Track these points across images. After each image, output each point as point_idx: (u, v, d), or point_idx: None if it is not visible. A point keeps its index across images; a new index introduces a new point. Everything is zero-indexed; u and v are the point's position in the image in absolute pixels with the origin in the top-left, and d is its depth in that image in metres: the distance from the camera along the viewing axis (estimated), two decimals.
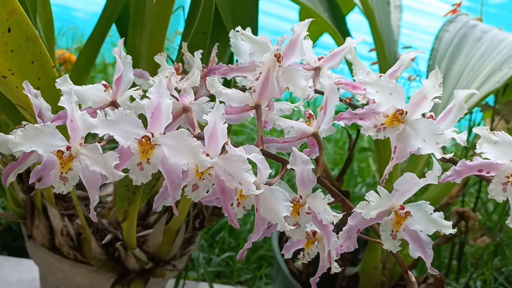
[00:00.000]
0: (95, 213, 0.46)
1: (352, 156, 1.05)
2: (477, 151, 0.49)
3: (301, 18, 1.35)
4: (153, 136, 0.43)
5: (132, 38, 0.76)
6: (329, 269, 0.54)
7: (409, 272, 0.59)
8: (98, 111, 0.42)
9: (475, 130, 0.49)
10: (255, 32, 0.84)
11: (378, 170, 1.00)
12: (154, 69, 0.73)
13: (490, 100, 1.48)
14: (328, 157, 2.25)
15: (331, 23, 1.00)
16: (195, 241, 1.05)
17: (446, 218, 0.52)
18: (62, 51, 1.65)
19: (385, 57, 1.07)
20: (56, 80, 0.48)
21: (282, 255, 1.19)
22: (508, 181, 0.48)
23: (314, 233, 0.56)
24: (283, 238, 1.27)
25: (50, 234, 0.93)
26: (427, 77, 1.22)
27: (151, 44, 0.75)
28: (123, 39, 0.53)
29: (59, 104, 0.42)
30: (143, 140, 0.42)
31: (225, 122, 0.45)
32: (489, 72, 1.12)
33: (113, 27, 0.93)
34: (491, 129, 1.32)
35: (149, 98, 0.42)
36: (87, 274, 0.93)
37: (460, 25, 1.30)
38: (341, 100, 0.57)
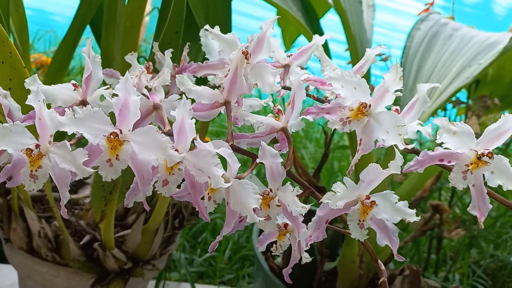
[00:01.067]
0: (72, 214, 0.47)
1: (328, 153, 1.06)
2: (438, 141, 0.51)
3: (279, 19, 1.37)
4: (121, 132, 0.43)
5: (105, 39, 0.77)
6: (301, 259, 0.56)
7: (379, 261, 0.61)
8: (66, 109, 0.42)
9: (435, 121, 0.51)
10: (228, 31, 0.85)
11: (357, 166, 1.02)
12: (127, 69, 0.73)
13: (463, 95, 1.52)
14: (309, 156, 2.27)
15: (305, 24, 1.01)
16: (175, 241, 1.06)
17: (422, 211, 0.54)
18: (39, 54, 1.64)
19: (358, 56, 1.09)
20: (25, 80, 0.48)
21: (262, 253, 1.20)
22: (468, 169, 0.51)
23: (286, 225, 0.57)
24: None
25: (28, 237, 0.93)
26: None
27: (125, 44, 0.75)
28: (91, 38, 0.53)
29: (26, 102, 0.42)
30: (111, 136, 0.43)
31: (192, 118, 0.46)
32: (459, 68, 1.16)
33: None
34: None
35: (115, 94, 0.43)
36: (66, 276, 0.93)
37: (431, 23, 1.33)
38: (309, 95, 0.59)
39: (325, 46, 1.14)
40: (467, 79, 1.09)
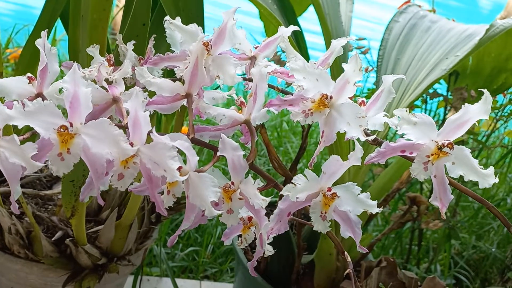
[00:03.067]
0: (45, 210, 0.46)
1: (305, 146, 1.06)
2: (399, 132, 0.51)
3: (260, 15, 1.36)
4: (71, 125, 0.43)
5: (72, 32, 0.76)
6: (288, 259, 0.56)
7: (345, 253, 0.61)
8: (14, 102, 0.41)
9: (395, 112, 0.51)
10: (201, 23, 0.84)
11: None
12: None
13: (443, 89, 1.52)
14: (294, 150, 2.27)
15: (278, 17, 1.00)
16: (152, 236, 1.05)
17: (404, 204, 0.53)
18: (16, 48, 1.62)
19: None
20: None
21: (242, 248, 1.19)
22: (429, 160, 0.50)
23: (250, 218, 0.57)
24: None
25: None
26: (377, 67, 1.23)
27: (92, 37, 0.74)
28: (46, 30, 0.52)
29: None
30: (62, 130, 0.42)
31: (146, 110, 0.45)
32: (436, 60, 1.16)
33: None
34: (444, 118, 1.36)
35: (64, 86, 0.42)
36: (39, 273, 0.92)
37: (410, 15, 1.33)
38: (272, 87, 0.58)
39: (301, 39, 1.13)
40: (443, 71, 1.09)
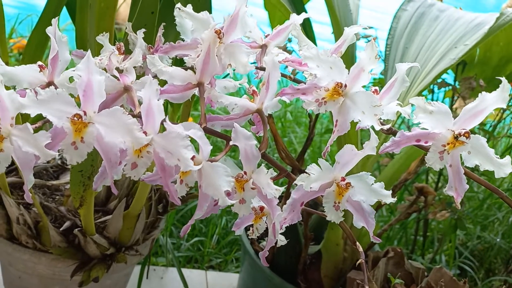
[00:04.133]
0: (53, 200, 0.45)
1: (313, 136, 1.06)
2: (414, 121, 0.50)
3: (265, 4, 1.35)
4: (85, 114, 0.42)
5: (80, 20, 0.75)
6: (294, 249, 0.55)
7: (357, 243, 0.61)
8: (27, 90, 0.41)
9: (411, 100, 0.50)
10: (209, 11, 0.83)
11: (338, 149, 1.01)
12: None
13: (452, 79, 1.51)
14: (298, 140, 2.26)
15: (287, 5, 1.00)
16: (159, 226, 1.05)
17: (410, 194, 0.53)
18: (20, 38, 1.61)
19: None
20: None
21: (248, 237, 1.19)
22: (445, 150, 0.50)
23: (262, 208, 0.56)
24: None
25: (7, 224, 0.92)
26: (385, 56, 1.22)
27: (100, 26, 0.73)
28: (57, 18, 0.51)
29: None
30: (75, 118, 0.42)
31: (159, 99, 0.44)
32: (444, 50, 1.14)
33: None
34: (451, 108, 1.35)
35: (77, 74, 0.41)
36: (47, 263, 0.92)
37: (418, 4, 1.32)
38: (284, 76, 0.58)
39: (309, 28, 1.12)
40: (452, 61, 1.08)
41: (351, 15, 1.15)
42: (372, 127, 0.50)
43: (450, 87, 1.31)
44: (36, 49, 0.91)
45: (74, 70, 0.51)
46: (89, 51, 0.42)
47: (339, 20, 1.06)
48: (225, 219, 1.70)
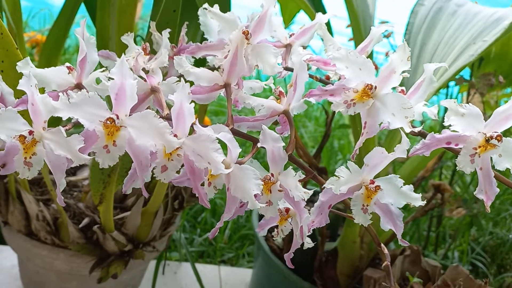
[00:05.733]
0: (71, 196, 0.45)
1: (329, 133, 1.05)
2: (445, 123, 0.50)
3: None
4: (118, 118, 0.42)
5: (101, 18, 0.74)
6: (303, 244, 0.55)
7: (382, 244, 0.60)
8: (60, 93, 0.41)
9: (442, 102, 0.49)
10: (227, 9, 0.82)
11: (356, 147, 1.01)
12: (124, 50, 0.71)
13: (466, 74, 1.49)
14: (309, 135, 2.26)
15: (305, 0, 0.98)
16: (175, 222, 1.05)
17: (423, 191, 0.53)
18: (34, 33, 1.61)
19: (361, 32, 1.07)
20: (17, 63, 0.46)
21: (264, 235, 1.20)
22: (476, 153, 0.49)
23: (287, 210, 0.56)
24: (263, 216, 1.28)
25: (26, 220, 0.92)
26: None
27: (121, 24, 0.73)
28: (85, 19, 0.51)
29: (18, 87, 0.41)
30: (108, 122, 0.41)
31: (191, 102, 0.44)
32: (463, 46, 1.13)
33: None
34: (467, 103, 1.33)
35: (110, 78, 0.41)
36: (66, 259, 0.93)
37: None
38: (311, 76, 0.57)
39: (327, 23, 1.11)
40: (471, 57, 1.07)
41: (368, 9, 1.14)
42: (402, 129, 0.50)
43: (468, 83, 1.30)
44: (53, 46, 0.91)
45: (102, 71, 0.51)
46: (123, 56, 0.41)
47: (358, 14, 1.05)
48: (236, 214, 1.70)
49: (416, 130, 0.50)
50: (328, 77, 0.62)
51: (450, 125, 0.50)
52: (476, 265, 1.67)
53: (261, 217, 1.33)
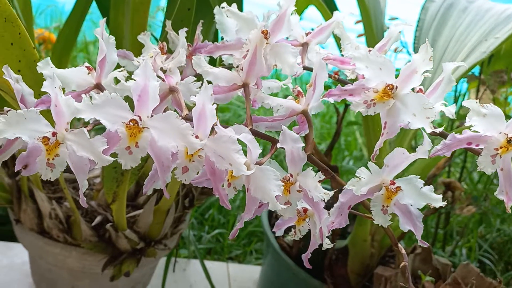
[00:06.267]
0: (80, 194, 0.45)
1: (340, 131, 1.05)
2: (467, 124, 0.49)
3: None
4: (140, 119, 0.42)
5: (114, 17, 0.74)
6: (321, 245, 0.55)
7: (399, 245, 0.60)
8: (83, 95, 0.40)
9: (464, 103, 0.49)
10: (240, 6, 0.82)
11: (366, 145, 1.01)
12: (138, 48, 0.71)
13: (475, 70, 1.49)
14: (315, 132, 2.25)
15: None
16: (185, 220, 1.05)
17: (433, 188, 0.52)
18: (41, 30, 1.60)
19: (372, 29, 1.06)
20: (38, 64, 0.46)
21: (273, 232, 1.19)
22: (497, 153, 0.49)
23: (305, 210, 0.56)
24: (272, 214, 1.28)
25: (38, 218, 0.92)
26: (414, 49, 1.21)
27: (134, 22, 0.73)
28: (105, 19, 0.51)
29: (42, 89, 0.40)
30: (131, 123, 0.41)
31: (214, 103, 0.44)
32: (475, 42, 1.12)
33: (93, 3, 0.90)
34: (477, 99, 1.32)
35: (135, 80, 0.41)
36: (78, 257, 0.93)
37: None
38: (329, 75, 0.57)
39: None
40: (483, 54, 1.06)
41: (379, 5, 1.13)
42: (424, 130, 0.49)
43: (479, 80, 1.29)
44: (64, 45, 0.91)
45: (120, 71, 0.51)
46: (147, 57, 0.41)
47: (369, 10, 1.04)
48: (243, 210, 1.70)
49: (437, 130, 0.50)
50: (336, 73, 0.62)
51: (471, 126, 0.49)
52: (484, 262, 1.67)
53: (270, 215, 1.33)
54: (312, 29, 1.17)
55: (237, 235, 1.67)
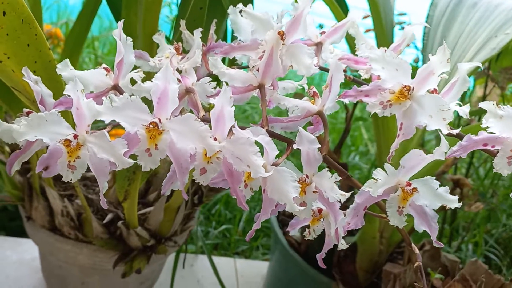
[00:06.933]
0: (93, 192, 0.46)
1: (349, 128, 1.05)
2: (483, 125, 0.49)
3: None
4: (160, 121, 0.42)
5: (127, 16, 0.74)
6: (335, 245, 0.55)
7: (413, 245, 0.60)
8: (103, 97, 0.41)
9: (481, 105, 0.49)
10: (251, 3, 0.82)
11: (376, 141, 1.00)
12: (150, 48, 0.71)
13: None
14: None
15: None
16: (194, 217, 1.06)
17: (441, 185, 0.52)
18: (49, 26, 1.60)
19: (382, 25, 1.05)
20: (57, 65, 0.46)
21: (281, 228, 1.20)
22: None
23: (320, 210, 0.56)
24: (280, 210, 1.28)
25: (50, 215, 0.93)
26: (423, 45, 1.20)
27: (146, 22, 0.73)
28: (123, 20, 0.51)
29: (64, 92, 0.41)
30: (151, 126, 0.41)
31: (232, 106, 0.44)
32: (484, 39, 1.12)
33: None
34: (484, 96, 1.31)
35: (154, 82, 0.41)
36: (89, 253, 0.94)
37: None
38: (345, 76, 0.57)
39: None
40: (493, 51, 1.06)
41: (389, 1, 1.13)
42: (440, 131, 0.49)
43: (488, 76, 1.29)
44: (75, 43, 0.91)
45: (136, 72, 0.51)
46: (168, 60, 0.41)
47: (379, 6, 1.04)
48: (250, 206, 1.70)
49: (454, 132, 0.50)
50: (344, 70, 0.62)
51: (487, 127, 0.49)
52: (489, 258, 1.67)
53: (278, 211, 1.33)
54: (320, 25, 1.16)
55: (243, 231, 1.68)
